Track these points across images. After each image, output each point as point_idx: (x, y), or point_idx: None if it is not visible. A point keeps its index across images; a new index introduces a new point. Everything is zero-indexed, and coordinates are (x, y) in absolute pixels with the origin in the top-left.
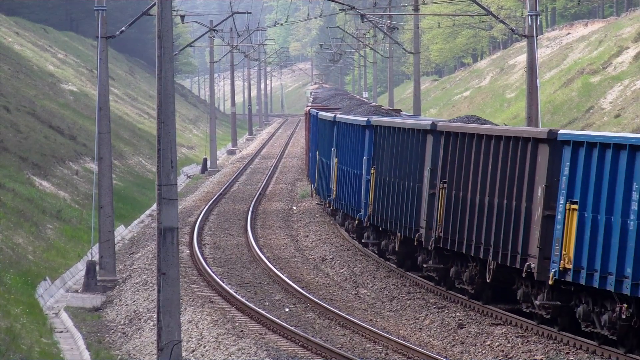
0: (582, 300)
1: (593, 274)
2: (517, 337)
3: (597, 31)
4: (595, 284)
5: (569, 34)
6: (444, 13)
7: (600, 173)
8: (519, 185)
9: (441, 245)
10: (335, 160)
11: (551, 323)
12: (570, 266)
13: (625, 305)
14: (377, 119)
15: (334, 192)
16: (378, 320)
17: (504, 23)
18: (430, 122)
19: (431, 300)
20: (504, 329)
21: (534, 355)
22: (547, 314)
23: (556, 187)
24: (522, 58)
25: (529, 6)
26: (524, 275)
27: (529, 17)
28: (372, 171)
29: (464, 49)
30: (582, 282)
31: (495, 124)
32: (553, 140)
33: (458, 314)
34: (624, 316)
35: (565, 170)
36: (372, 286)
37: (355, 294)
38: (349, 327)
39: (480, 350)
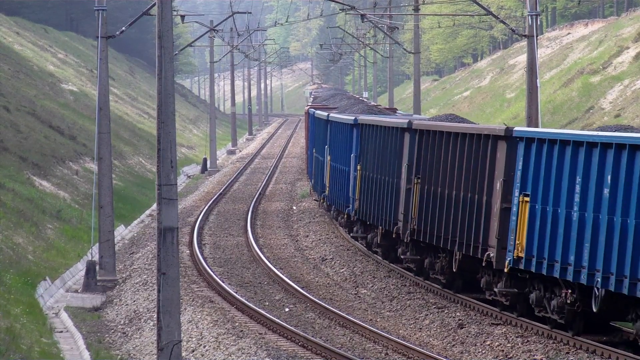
0: (535, 286)
1: (542, 262)
2: (517, 337)
3: (597, 31)
4: (544, 271)
5: (569, 34)
6: (444, 13)
7: (549, 167)
8: (481, 180)
9: (415, 238)
10: (329, 157)
11: (511, 309)
12: (523, 255)
13: (570, 291)
14: (363, 118)
15: (327, 188)
16: (378, 320)
17: (504, 23)
18: (407, 121)
19: (431, 300)
20: (504, 329)
21: (534, 355)
22: (506, 301)
23: (512, 181)
24: (522, 58)
25: (529, 6)
26: (484, 264)
27: (529, 17)
28: (358, 167)
29: (464, 49)
30: (533, 269)
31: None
32: (510, 137)
33: (458, 314)
34: (568, 301)
35: (519, 165)
36: (372, 286)
37: (355, 294)
38: (349, 327)
39: (480, 350)
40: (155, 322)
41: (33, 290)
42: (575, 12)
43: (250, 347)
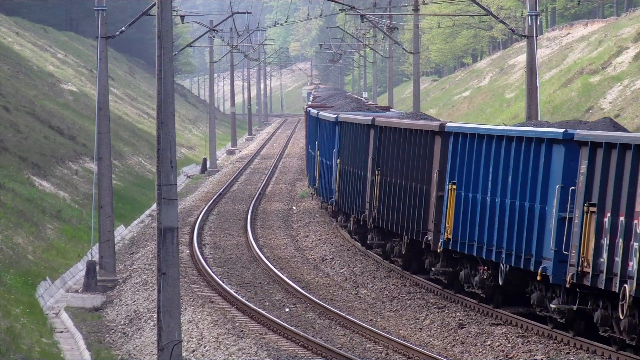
0: (464, 265)
1: (465, 243)
2: (518, 337)
3: (597, 31)
4: (466, 251)
5: (568, 34)
6: (444, 13)
7: (470, 158)
8: (423, 171)
9: (377, 224)
10: (318, 152)
11: (448, 287)
12: (451, 237)
13: (485, 267)
14: (343, 116)
15: (317, 181)
16: (378, 320)
17: (504, 23)
18: (372, 118)
19: (431, 301)
20: (504, 329)
21: (534, 355)
22: (445, 279)
23: (445, 171)
24: (522, 58)
25: (529, 6)
26: (423, 246)
27: (529, 17)
28: (337, 162)
29: (463, 49)
30: (458, 249)
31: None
32: (443, 132)
33: (458, 314)
34: (485, 277)
35: (450, 157)
36: (373, 286)
37: (355, 294)
38: (349, 327)
39: (480, 350)
40: (156, 322)
41: (33, 290)
42: (575, 12)
43: (251, 347)
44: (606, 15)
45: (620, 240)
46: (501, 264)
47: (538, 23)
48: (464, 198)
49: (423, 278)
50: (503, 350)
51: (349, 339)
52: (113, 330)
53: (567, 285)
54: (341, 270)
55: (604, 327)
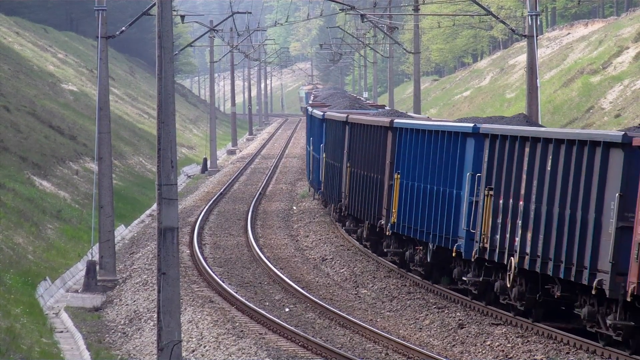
0: (409, 246)
1: (405, 226)
2: (517, 337)
3: (597, 31)
4: (406, 233)
5: (569, 34)
6: (444, 13)
7: (410, 150)
8: (378, 162)
9: (348, 211)
10: (311, 147)
11: (399, 265)
12: (395, 221)
13: (421, 247)
14: (329, 114)
15: (312, 173)
16: (378, 320)
17: (504, 23)
18: (346, 116)
19: (431, 300)
20: (504, 329)
21: (534, 355)
22: (397, 260)
23: (394, 162)
24: (522, 58)
25: (529, 6)
26: (377, 230)
27: (529, 17)
28: (323, 155)
29: (464, 49)
30: (401, 232)
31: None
32: (393, 128)
33: (458, 314)
34: (420, 256)
35: (396, 150)
36: (372, 286)
37: (355, 294)
38: (349, 327)
39: (480, 350)
40: (156, 322)
41: (33, 290)
42: (575, 12)
43: (251, 347)
44: (606, 15)
45: (509, 219)
46: (430, 244)
47: (538, 23)
48: (405, 186)
49: (383, 259)
50: (503, 350)
51: (348, 339)
52: (113, 330)
53: (473, 260)
54: (341, 270)
55: (503, 295)
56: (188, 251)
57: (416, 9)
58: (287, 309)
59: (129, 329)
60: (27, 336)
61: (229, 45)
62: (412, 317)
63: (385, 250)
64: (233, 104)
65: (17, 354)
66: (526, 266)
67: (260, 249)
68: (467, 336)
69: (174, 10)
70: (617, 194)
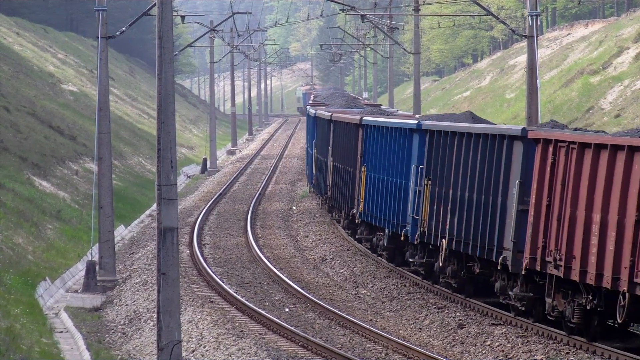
0: (376, 232)
1: (369, 214)
2: (517, 337)
3: (598, 31)
4: (369, 220)
5: (569, 34)
6: (445, 13)
7: (375, 145)
8: (351, 156)
9: (331, 204)
10: (307, 145)
11: (371, 250)
12: (362, 210)
13: (383, 233)
14: (319, 112)
15: (307, 167)
16: (378, 320)
17: (504, 23)
18: (330, 114)
19: (431, 301)
20: (504, 329)
21: (534, 356)
22: (367, 244)
23: (362, 156)
24: (523, 58)
25: (529, 6)
26: (350, 217)
27: (530, 17)
28: (314, 151)
29: (464, 49)
30: (366, 219)
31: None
32: (361, 125)
33: (458, 314)
34: (381, 241)
35: (364, 144)
36: (372, 286)
37: (355, 294)
38: (349, 327)
39: (480, 351)
40: (155, 322)
41: (33, 290)
42: (576, 12)
43: (251, 348)
44: (607, 16)
45: (442, 206)
46: (386, 229)
47: (538, 23)
48: (369, 178)
49: (360, 245)
50: (503, 351)
51: (348, 339)
52: (113, 331)
53: (415, 242)
54: (341, 271)
55: (442, 274)
56: (188, 251)
57: (416, 10)
58: (287, 309)
59: (128, 329)
60: (27, 336)
61: (229, 46)
62: (412, 317)
63: (358, 237)
64: (233, 104)
65: (17, 354)
66: (453, 247)
67: (260, 249)
68: (467, 336)
69: (174, 11)
70: (517, 181)
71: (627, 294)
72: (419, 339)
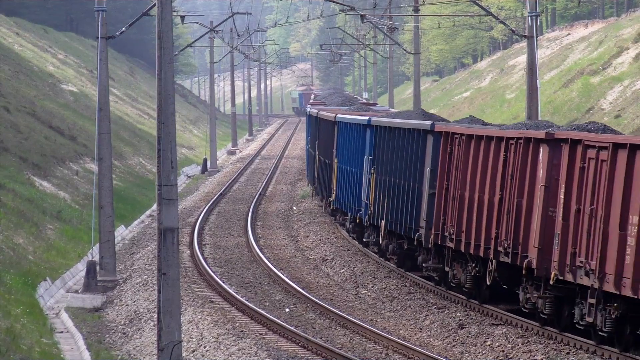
0: (350, 216)
1: (340, 201)
2: (518, 337)
3: (597, 32)
4: (340, 207)
5: (569, 34)
6: (444, 14)
7: (343, 139)
8: (329, 150)
9: (315, 192)
10: (304, 142)
11: (347, 232)
12: (335, 198)
13: (349, 215)
14: (312, 110)
15: (305, 163)
16: (378, 320)
17: (504, 24)
18: (317, 111)
19: (431, 301)
20: (505, 329)
21: (534, 356)
22: (342, 228)
23: (337, 150)
24: (522, 59)
25: (529, 7)
26: (328, 204)
27: (529, 17)
28: (309, 147)
29: (464, 50)
30: (337, 206)
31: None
32: (335, 122)
33: (458, 314)
34: (351, 225)
35: (337, 139)
36: (373, 286)
37: (355, 294)
38: (350, 328)
39: (480, 351)
40: (156, 322)
41: (33, 290)
42: (575, 12)
43: (251, 348)
44: (606, 16)
45: (381, 191)
46: (348, 214)
47: (538, 23)
48: (339, 169)
49: (340, 227)
50: (503, 351)
51: (349, 339)
52: (113, 331)
53: (366, 224)
54: (341, 271)
55: (386, 251)
56: (188, 251)
57: (416, 10)
58: (287, 309)
59: (129, 329)
60: (27, 336)
61: (229, 46)
62: (412, 317)
63: (334, 221)
64: (233, 104)
65: (17, 354)
66: (388, 227)
67: (261, 250)
68: (467, 336)
69: (174, 11)
70: (428, 169)
71: (493, 260)
72: (419, 339)
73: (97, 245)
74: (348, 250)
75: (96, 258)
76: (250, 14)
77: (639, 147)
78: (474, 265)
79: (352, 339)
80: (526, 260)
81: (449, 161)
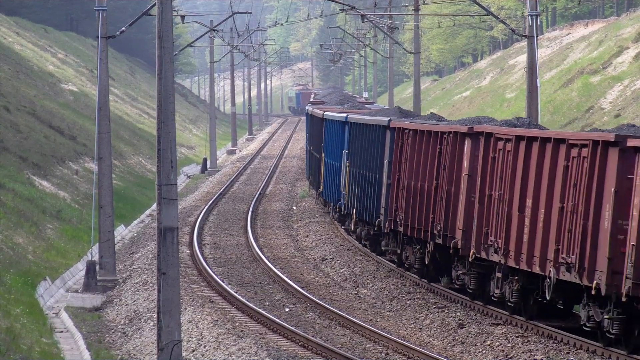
0: (332, 206)
1: (326, 193)
2: (518, 337)
3: (598, 31)
4: (325, 198)
5: (569, 34)
6: (445, 13)
7: (328, 135)
8: (319, 145)
9: (310, 186)
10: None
11: (337, 222)
12: (322, 189)
13: (331, 205)
14: (308, 108)
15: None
16: (378, 320)
17: (504, 23)
18: (311, 109)
19: (431, 300)
20: (504, 329)
21: (534, 355)
22: (325, 212)
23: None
24: (522, 58)
25: (529, 6)
26: (318, 196)
27: (529, 17)
28: (308, 146)
29: (464, 49)
30: (323, 197)
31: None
32: (324, 119)
33: (458, 313)
34: (336, 214)
35: (324, 135)
36: (372, 286)
37: (355, 293)
38: (349, 327)
39: (480, 350)
40: (156, 322)
41: (33, 290)
42: (576, 12)
43: (251, 347)
44: (606, 15)
45: (352, 182)
46: (331, 204)
47: (538, 23)
48: (325, 163)
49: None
50: (503, 350)
51: (349, 338)
52: (113, 330)
53: (343, 213)
54: (341, 270)
55: (360, 237)
56: (188, 251)
57: (416, 9)
58: (287, 309)
59: (129, 329)
60: (27, 336)
61: (229, 46)
62: (412, 317)
63: (324, 211)
64: (233, 104)
65: (17, 354)
66: (358, 215)
67: (260, 249)
68: (467, 336)
69: (174, 11)
70: (386, 161)
71: (430, 242)
72: (419, 339)
73: (97, 244)
74: (348, 250)
75: (96, 258)
76: (250, 13)
77: (535, 139)
78: (419, 247)
79: (352, 339)
80: (453, 241)
81: (400, 154)
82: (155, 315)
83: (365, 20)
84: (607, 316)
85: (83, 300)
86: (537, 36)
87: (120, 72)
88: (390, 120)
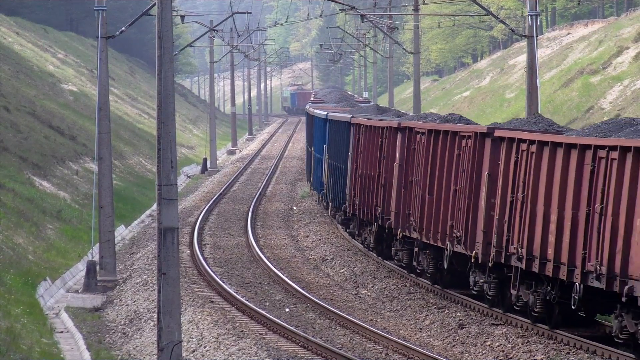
0: (327, 198)
1: (315, 184)
2: (518, 337)
3: (597, 31)
4: (314, 189)
5: (569, 34)
6: (444, 13)
7: (315, 130)
8: (311, 141)
9: (307, 180)
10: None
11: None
12: (312, 181)
13: (317, 195)
14: (307, 106)
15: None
16: (378, 320)
17: (504, 23)
18: (308, 107)
19: (431, 301)
20: (504, 329)
21: (534, 356)
22: (318, 203)
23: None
24: (522, 58)
25: (529, 6)
26: (311, 188)
27: (529, 17)
28: (307, 146)
29: (464, 49)
30: (313, 189)
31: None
32: (313, 116)
33: (458, 314)
34: (324, 203)
35: (313, 130)
36: (373, 286)
37: (355, 294)
38: (350, 328)
39: (480, 351)
40: (156, 322)
41: (33, 290)
42: (575, 12)
43: (251, 348)
44: (606, 15)
45: (329, 173)
46: (318, 194)
47: (538, 23)
48: (313, 157)
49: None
50: (503, 351)
51: (349, 339)
52: (113, 331)
53: (323, 203)
54: (341, 271)
55: (349, 227)
56: (188, 251)
57: (416, 9)
58: (287, 309)
59: (129, 329)
60: (27, 336)
61: (229, 46)
62: (412, 317)
63: (318, 203)
64: (233, 104)
65: (17, 354)
66: (332, 202)
67: (261, 249)
68: (467, 336)
69: (174, 11)
70: (349, 153)
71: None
72: (419, 339)
73: (97, 245)
74: (348, 250)
75: (96, 258)
76: (250, 13)
77: (446, 132)
78: (369, 228)
79: (352, 339)
80: (388, 222)
81: (357, 146)
82: (156, 316)
83: (365, 20)
84: (482, 280)
85: (83, 300)
86: (537, 36)
87: (120, 72)
88: (352, 117)
